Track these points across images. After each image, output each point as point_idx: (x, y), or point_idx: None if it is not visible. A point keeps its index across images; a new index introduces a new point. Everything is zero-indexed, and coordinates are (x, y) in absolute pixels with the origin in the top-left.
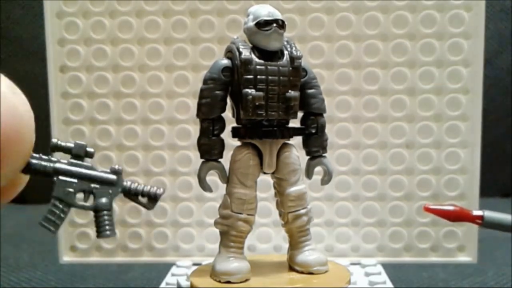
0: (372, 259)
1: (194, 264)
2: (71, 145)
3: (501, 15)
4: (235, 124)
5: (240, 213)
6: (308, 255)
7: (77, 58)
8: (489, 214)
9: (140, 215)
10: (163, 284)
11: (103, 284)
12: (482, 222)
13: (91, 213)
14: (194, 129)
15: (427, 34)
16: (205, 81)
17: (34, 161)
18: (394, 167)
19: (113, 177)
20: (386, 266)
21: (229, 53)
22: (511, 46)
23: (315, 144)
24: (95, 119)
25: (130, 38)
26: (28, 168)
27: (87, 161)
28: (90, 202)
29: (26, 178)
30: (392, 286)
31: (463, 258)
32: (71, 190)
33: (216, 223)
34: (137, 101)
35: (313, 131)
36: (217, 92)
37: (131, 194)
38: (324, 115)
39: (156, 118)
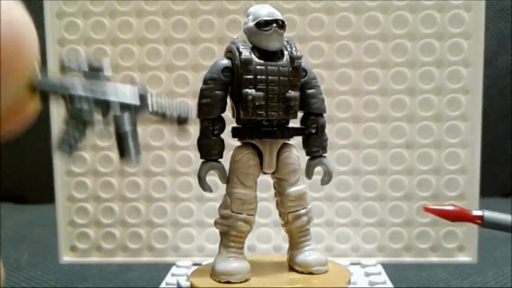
0: (372, 259)
1: (194, 264)
2: (85, 62)
3: (501, 15)
4: (235, 124)
5: (240, 213)
6: (308, 255)
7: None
8: (489, 214)
9: (140, 215)
10: (163, 284)
11: (103, 284)
12: (482, 222)
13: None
14: (194, 129)
15: (427, 34)
16: (205, 81)
17: (41, 78)
18: (394, 167)
19: (136, 95)
20: (386, 266)
21: (229, 53)
22: (511, 46)
23: (315, 144)
24: (95, 119)
25: (130, 38)
26: (35, 87)
27: (104, 75)
28: (110, 123)
29: (35, 104)
30: (392, 286)
31: (463, 258)
32: (88, 110)
33: (216, 223)
34: None
35: (313, 131)
36: (217, 92)
37: (159, 115)
38: (324, 115)
39: (156, 118)
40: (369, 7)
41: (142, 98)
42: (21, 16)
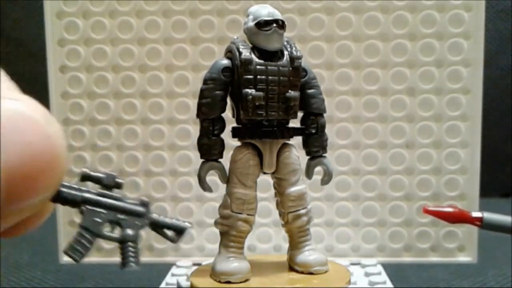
0: (372, 259)
1: (194, 264)
2: (102, 175)
3: (501, 15)
4: (235, 124)
5: (240, 213)
6: (308, 255)
7: (77, 58)
8: (488, 215)
9: None
10: (163, 284)
11: (103, 284)
12: (481, 224)
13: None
14: (194, 129)
15: (427, 34)
16: (205, 81)
17: (63, 189)
18: (394, 167)
19: (142, 209)
20: (386, 266)
21: (229, 53)
22: (511, 46)
23: (315, 144)
24: (95, 119)
25: (130, 38)
26: (57, 196)
27: (116, 192)
28: (116, 233)
29: (52, 206)
30: (392, 286)
31: (463, 258)
32: (99, 220)
33: (216, 223)
34: (137, 101)
35: (313, 131)
36: (217, 92)
37: (158, 227)
38: (324, 115)
39: (156, 118)
40: (369, 7)
41: (147, 211)
42: (58, 130)
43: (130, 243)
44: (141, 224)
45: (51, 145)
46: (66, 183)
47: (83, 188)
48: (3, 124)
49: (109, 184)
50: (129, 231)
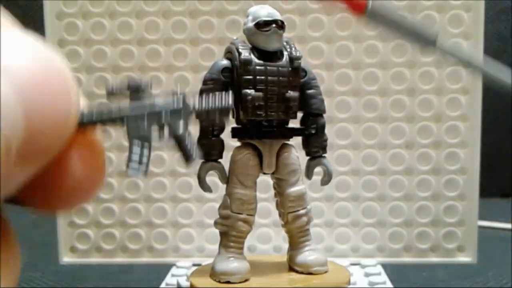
0: (372, 259)
1: (194, 265)
2: (124, 84)
3: (500, 15)
4: (235, 125)
5: (240, 213)
6: (308, 255)
7: (77, 59)
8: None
9: (140, 215)
10: (163, 285)
11: (103, 285)
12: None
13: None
14: (194, 129)
15: None
16: (204, 82)
17: (96, 110)
18: (394, 167)
19: (180, 102)
20: (386, 267)
21: (229, 53)
22: (511, 46)
23: (315, 144)
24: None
25: (130, 39)
26: (92, 121)
27: (145, 94)
28: (166, 134)
29: (94, 135)
30: (392, 286)
31: (463, 258)
32: (144, 127)
33: (216, 224)
34: None
35: (313, 131)
36: (217, 92)
37: (203, 113)
38: (324, 115)
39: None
40: None
41: (185, 102)
42: (61, 60)
43: (184, 137)
44: (185, 116)
45: (63, 76)
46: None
47: (112, 104)
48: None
49: (137, 88)
50: (178, 126)
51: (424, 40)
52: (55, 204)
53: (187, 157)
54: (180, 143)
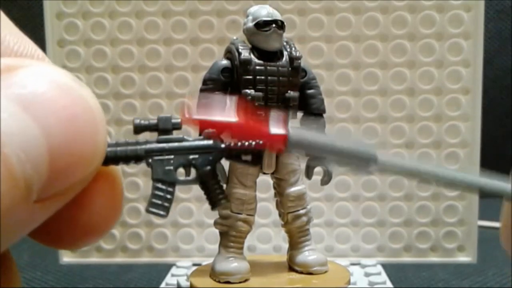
0: (372, 259)
1: (194, 265)
2: (155, 121)
3: (500, 15)
4: None
5: (240, 213)
6: (308, 255)
7: (77, 59)
8: (295, 132)
9: (140, 215)
10: (163, 285)
11: (103, 285)
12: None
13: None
14: (194, 130)
15: (426, 35)
16: (204, 82)
17: (119, 148)
18: None
19: (209, 142)
20: (386, 266)
21: (229, 53)
22: (511, 46)
23: None
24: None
25: (130, 39)
26: (115, 158)
27: (176, 133)
28: (192, 175)
29: (116, 171)
30: (392, 286)
31: (463, 258)
32: (170, 167)
33: (215, 224)
34: (137, 102)
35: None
36: (217, 92)
37: (233, 156)
38: (324, 115)
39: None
40: (368, 8)
41: (215, 145)
42: (92, 97)
43: (211, 181)
44: (214, 157)
45: (90, 109)
46: (120, 141)
47: (141, 141)
48: (42, 94)
49: (167, 127)
50: (205, 169)
51: (362, 159)
52: (65, 241)
53: (213, 203)
54: (207, 187)
